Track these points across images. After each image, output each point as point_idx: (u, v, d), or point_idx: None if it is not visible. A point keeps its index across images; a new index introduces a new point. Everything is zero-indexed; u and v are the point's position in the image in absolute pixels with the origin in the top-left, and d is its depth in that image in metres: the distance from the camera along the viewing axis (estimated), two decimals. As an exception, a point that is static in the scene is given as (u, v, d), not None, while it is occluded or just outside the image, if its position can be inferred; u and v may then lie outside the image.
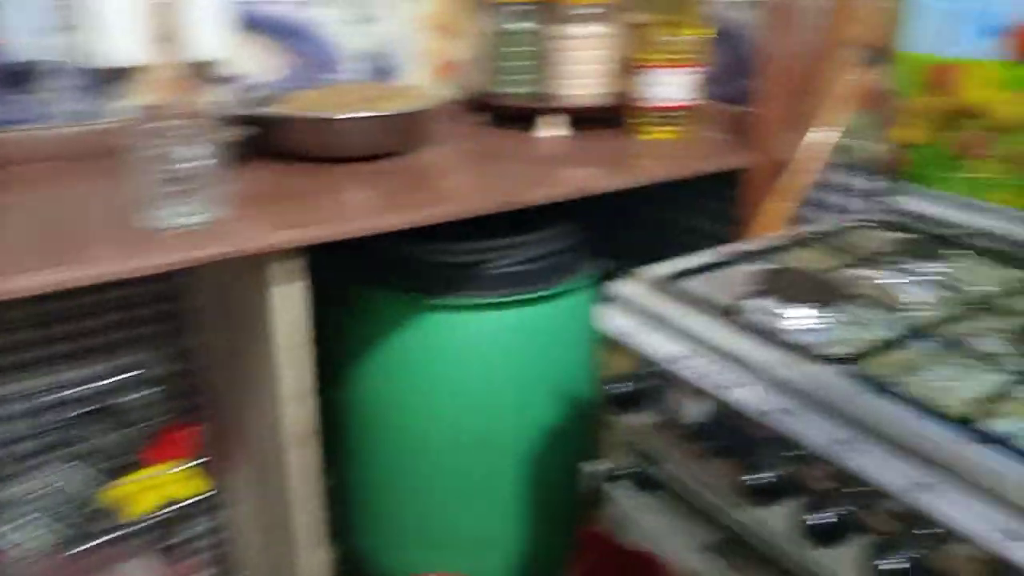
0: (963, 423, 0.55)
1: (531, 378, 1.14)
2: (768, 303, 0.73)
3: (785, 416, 0.63)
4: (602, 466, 0.82)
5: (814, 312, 0.72)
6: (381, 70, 1.36)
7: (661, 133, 1.24)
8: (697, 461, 0.72)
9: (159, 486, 1.04)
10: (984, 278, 0.81)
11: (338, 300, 1.17)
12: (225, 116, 1.12)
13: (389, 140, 1.11)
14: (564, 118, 1.29)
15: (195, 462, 1.10)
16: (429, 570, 1.17)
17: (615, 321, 0.79)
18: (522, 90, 1.33)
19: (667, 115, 1.22)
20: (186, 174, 0.77)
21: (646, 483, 0.79)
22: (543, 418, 1.17)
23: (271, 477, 1.06)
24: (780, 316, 0.73)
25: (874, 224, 0.98)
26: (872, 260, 0.84)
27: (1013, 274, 0.82)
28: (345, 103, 1.09)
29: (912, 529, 0.54)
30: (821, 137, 1.04)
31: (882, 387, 0.60)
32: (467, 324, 1.11)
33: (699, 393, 0.70)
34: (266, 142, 1.10)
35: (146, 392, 1.21)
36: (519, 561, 1.25)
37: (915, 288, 0.79)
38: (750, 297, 0.74)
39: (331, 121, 1.05)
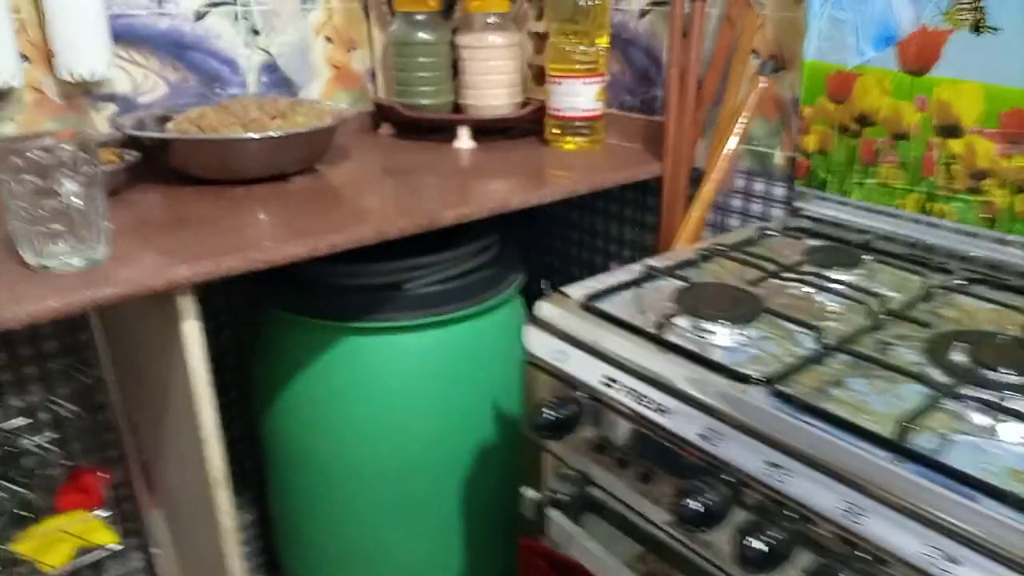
0: (889, 442, 0.55)
1: (457, 399, 1.12)
2: (691, 322, 0.73)
3: (714, 440, 0.63)
4: (538, 492, 0.80)
5: (737, 329, 0.72)
6: (280, 83, 1.30)
7: (574, 143, 1.23)
8: (632, 484, 0.71)
9: (72, 535, 0.96)
10: (896, 285, 0.83)
11: (253, 327, 1.11)
12: (111, 139, 1.04)
13: (293, 158, 1.06)
14: (472, 129, 1.26)
15: (105, 511, 1.02)
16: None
17: (539, 344, 0.78)
18: (428, 101, 1.30)
19: (579, 125, 1.22)
20: (69, 208, 0.70)
21: (584, 506, 0.78)
22: (472, 439, 1.15)
23: (191, 519, 1.00)
24: (704, 335, 0.72)
25: (787, 232, 1.00)
26: (789, 269, 0.85)
27: (922, 280, 0.85)
28: (244, 121, 1.03)
29: (853, 551, 0.54)
30: (729, 145, 1.05)
31: (805, 407, 0.60)
32: (387, 348, 1.07)
33: (628, 417, 0.69)
34: (158, 165, 1.03)
35: (51, 435, 1.12)
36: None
37: (831, 299, 0.80)
38: (673, 316, 0.73)
39: (230, 142, 0.99)
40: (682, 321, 0.73)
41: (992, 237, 0.87)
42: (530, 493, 0.80)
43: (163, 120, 1.08)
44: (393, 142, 1.32)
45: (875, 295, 0.78)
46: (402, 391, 1.09)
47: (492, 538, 1.24)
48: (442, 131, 1.29)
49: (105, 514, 1.01)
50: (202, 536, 0.96)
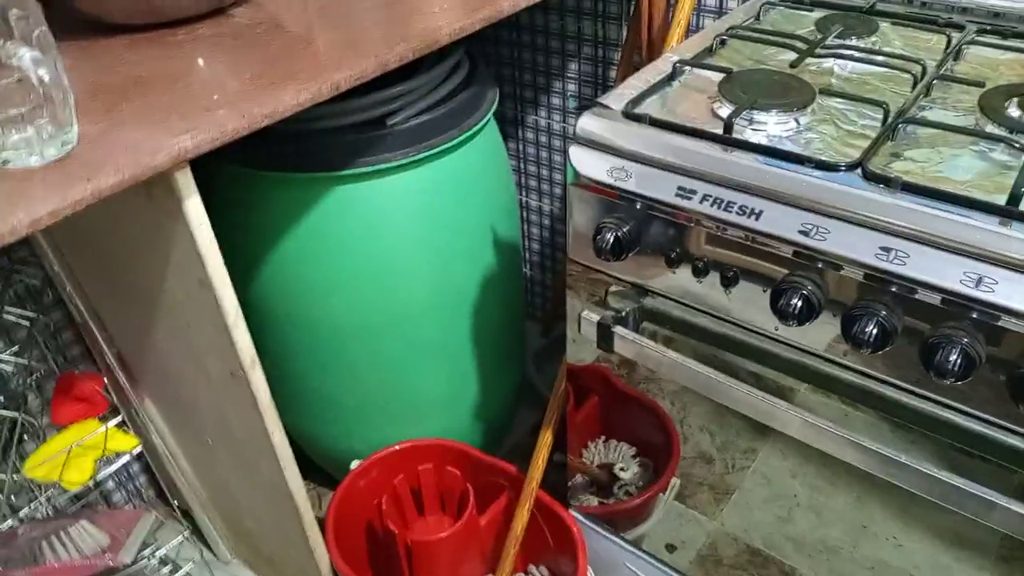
0: (1004, 209, 0.56)
1: (454, 236, 1.06)
2: (749, 115, 0.70)
3: (816, 235, 0.62)
4: (602, 312, 0.79)
5: (797, 115, 0.70)
6: None
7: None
8: (709, 291, 0.71)
9: (87, 448, 0.88)
10: (922, 48, 0.82)
11: (226, 190, 0.99)
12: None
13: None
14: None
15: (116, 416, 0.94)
16: (374, 446, 1.13)
17: (593, 164, 0.73)
18: None
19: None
20: (36, 84, 0.56)
21: (644, 318, 0.78)
22: (474, 274, 1.11)
23: (212, 407, 0.94)
24: (763, 126, 0.70)
25: (786, 3, 0.96)
26: (819, 45, 0.81)
27: (942, 37, 0.84)
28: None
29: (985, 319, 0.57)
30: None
31: (908, 186, 0.60)
32: (377, 193, 0.98)
33: (714, 227, 0.67)
34: (62, 15, 0.84)
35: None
36: (464, 421, 1.24)
37: (873, 70, 0.78)
38: (729, 112, 0.69)
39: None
40: (740, 116, 0.70)
41: (996, -16, 0.86)
42: (591, 315, 0.79)
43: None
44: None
45: (915, 60, 0.76)
46: (398, 237, 1.02)
47: (501, 367, 1.25)
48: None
49: (116, 420, 0.93)
50: (234, 421, 0.91)
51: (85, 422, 0.91)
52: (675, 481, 0.92)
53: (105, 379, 0.98)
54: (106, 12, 0.84)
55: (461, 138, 1.00)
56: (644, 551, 1.01)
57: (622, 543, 1.03)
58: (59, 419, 0.92)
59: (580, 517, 1.05)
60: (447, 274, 1.08)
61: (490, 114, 1.06)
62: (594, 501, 1.04)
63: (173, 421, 1.09)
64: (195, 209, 0.70)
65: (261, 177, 0.96)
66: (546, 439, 1.01)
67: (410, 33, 0.80)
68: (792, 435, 0.69)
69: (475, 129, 1.02)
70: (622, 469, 0.99)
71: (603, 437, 0.99)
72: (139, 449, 0.95)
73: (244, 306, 0.78)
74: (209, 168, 0.95)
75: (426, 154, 0.97)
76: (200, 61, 0.78)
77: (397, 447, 1.13)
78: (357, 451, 1.16)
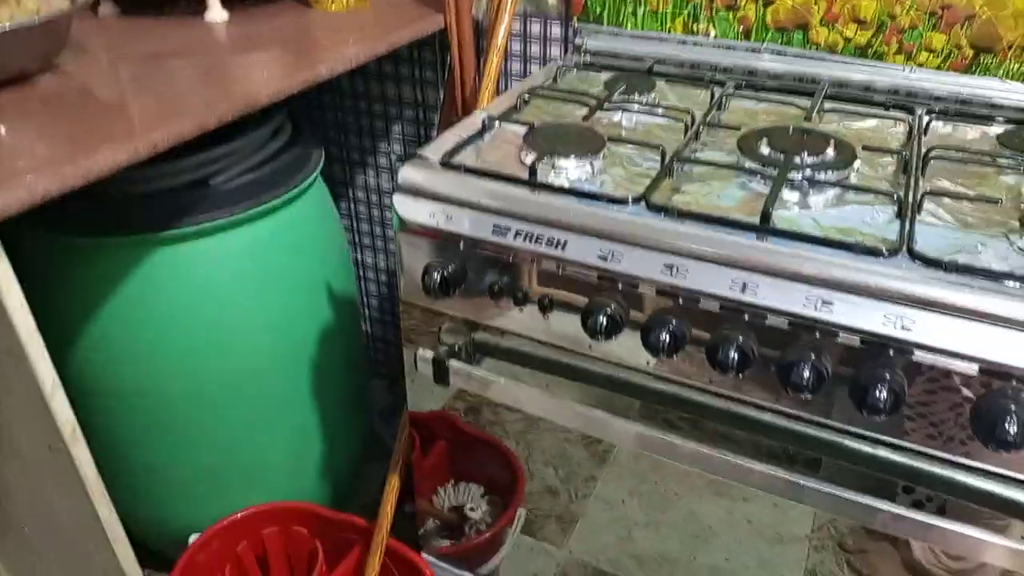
0: (755, 226, 0.67)
1: (285, 295, 1.07)
2: (550, 161, 0.78)
3: (612, 260, 0.70)
4: (432, 350, 0.83)
5: (589, 160, 0.79)
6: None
7: (341, 3, 1.16)
8: (532, 316, 0.77)
9: None
10: (692, 100, 0.96)
11: (42, 257, 0.94)
12: None
13: (34, 54, 0.87)
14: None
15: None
16: (215, 519, 1.09)
17: (415, 210, 0.78)
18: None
19: (345, -19, 1.15)
20: None
21: (477, 350, 0.83)
22: (311, 331, 1.12)
23: (40, 489, 0.87)
24: (562, 171, 0.79)
25: (579, 67, 1.07)
26: (606, 101, 0.92)
27: (707, 92, 0.98)
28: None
29: (743, 315, 0.67)
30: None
31: (681, 213, 0.70)
32: (204, 253, 0.98)
33: (527, 258, 0.74)
34: None
35: None
36: (310, 482, 1.23)
37: (652, 120, 0.90)
38: (532, 159, 0.78)
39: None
40: (543, 162, 0.78)
41: (746, 48, 1.03)
42: (426, 353, 0.83)
43: None
44: (124, 22, 1.13)
45: (686, 111, 0.89)
46: (229, 297, 1.02)
47: (345, 425, 1.25)
48: (173, 1, 1.13)
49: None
50: (56, 503, 0.85)
51: None
52: (521, 511, 0.97)
53: None
54: None
55: (287, 196, 1.03)
56: (498, 585, 1.04)
57: (476, 580, 1.05)
58: None
59: (433, 560, 1.06)
60: (283, 333, 1.08)
61: (316, 173, 1.10)
62: (448, 544, 1.06)
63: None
64: (3, 275, 0.67)
65: (79, 243, 0.93)
66: (392, 484, 1.02)
67: (229, 96, 0.82)
68: (628, 447, 0.76)
69: (301, 187, 1.05)
70: (471, 509, 1.03)
71: (452, 481, 1.02)
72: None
73: (64, 378, 0.74)
74: (22, 234, 0.91)
75: (252, 212, 0.98)
76: (1, 129, 0.76)
77: (238, 515, 1.10)
78: (197, 526, 1.11)
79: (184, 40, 1.03)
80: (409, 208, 0.78)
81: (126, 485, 1.10)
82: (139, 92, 0.86)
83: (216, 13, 1.12)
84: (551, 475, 0.90)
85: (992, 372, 0.59)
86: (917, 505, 0.67)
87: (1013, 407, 0.58)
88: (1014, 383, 0.59)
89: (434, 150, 0.82)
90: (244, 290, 1.02)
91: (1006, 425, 0.57)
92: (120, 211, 0.91)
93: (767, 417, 0.69)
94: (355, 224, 1.51)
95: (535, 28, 1.16)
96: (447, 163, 0.79)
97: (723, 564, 0.82)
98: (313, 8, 1.16)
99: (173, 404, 1.03)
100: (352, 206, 1.49)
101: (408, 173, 0.79)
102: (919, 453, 0.65)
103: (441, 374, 0.82)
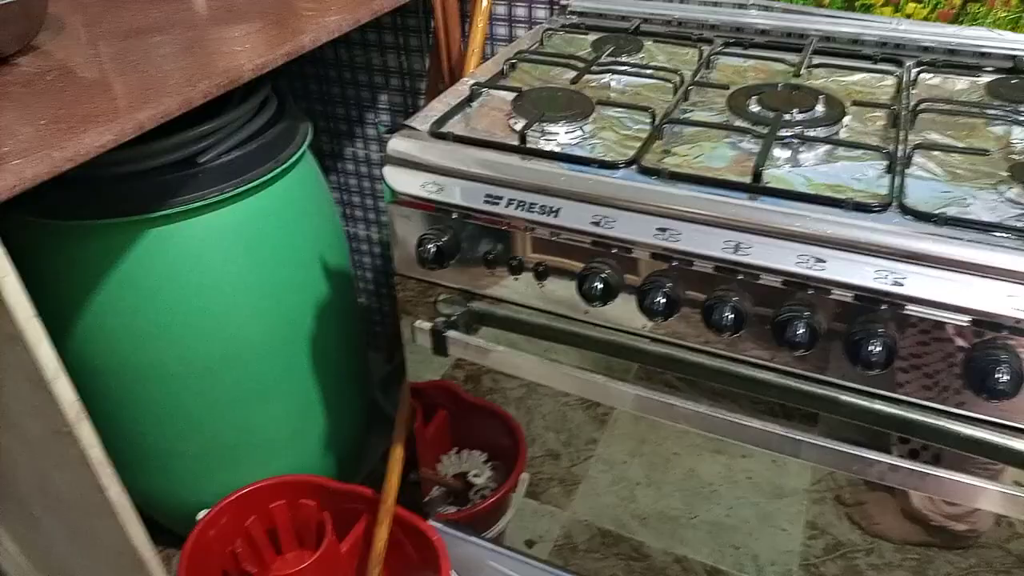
0: (748, 186, 0.67)
1: (278, 270, 1.07)
2: (540, 127, 0.78)
3: (605, 224, 0.70)
4: (430, 321, 0.84)
5: (580, 124, 0.79)
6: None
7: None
8: (528, 284, 0.78)
9: None
10: (680, 60, 0.95)
11: (35, 243, 0.94)
12: None
13: (12, 34, 0.86)
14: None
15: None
16: (222, 495, 1.11)
17: (406, 181, 0.78)
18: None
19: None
20: None
21: (475, 319, 0.83)
22: (305, 307, 1.12)
23: (46, 472, 0.88)
24: (553, 136, 0.78)
25: (565, 29, 1.06)
26: (594, 63, 0.91)
27: (695, 51, 0.97)
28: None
29: (736, 276, 0.67)
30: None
31: (672, 175, 0.70)
32: (195, 232, 0.98)
33: (521, 226, 0.74)
34: None
35: None
36: (314, 456, 1.24)
37: (641, 82, 0.89)
38: (522, 125, 0.77)
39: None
40: (533, 128, 0.78)
41: (733, 3, 1.02)
42: (423, 324, 0.84)
43: None
44: (100, -1, 1.11)
45: (675, 71, 0.88)
46: (222, 274, 1.02)
47: (345, 397, 1.26)
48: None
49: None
50: (63, 486, 0.86)
51: None
52: (524, 476, 0.98)
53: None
54: None
55: (276, 172, 1.02)
56: (505, 547, 1.06)
57: (483, 543, 1.07)
58: None
59: (439, 526, 1.08)
60: (278, 308, 1.08)
61: (304, 147, 1.09)
62: (453, 510, 1.08)
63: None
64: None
65: (69, 227, 0.93)
66: (397, 454, 1.03)
67: (212, 71, 0.81)
68: (627, 409, 0.77)
69: (290, 162, 1.04)
70: (475, 475, 1.04)
71: (455, 449, 1.03)
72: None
73: (65, 362, 0.75)
74: (14, 221, 0.91)
75: (241, 190, 0.98)
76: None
77: (246, 490, 1.11)
78: (205, 502, 1.12)
79: (164, 14, 1.02)
80: (400, 180, 0.78)
81: (133, 464, 1.11)
82: (122, 70, 0.85)
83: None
84: (552, 439, 0.91)
85: (983, 323, 0.60)
86: (912, 455, 0.68)
87: (1004, 357, 0.59)
88: (1005, 333, 0.59)
89: (422, 120, 0.81)
90: (237, 267, 1.02)
91: (997, 375, 0.58)
92: (109, 193, 0.91)
93: (763, 375, 0.70)
94: (346, 196, 1.50)
95: (521, -10, 1.14)
96: (436, 133, 0.79)
97: (724, 520, 0.84)
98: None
99: (175, 383, 1.04)
100: (342, 178, 1.48)
101: (397, 144, 0.78)
102: (913, 404, 0.66)
103: (439, 345, 0.82)
